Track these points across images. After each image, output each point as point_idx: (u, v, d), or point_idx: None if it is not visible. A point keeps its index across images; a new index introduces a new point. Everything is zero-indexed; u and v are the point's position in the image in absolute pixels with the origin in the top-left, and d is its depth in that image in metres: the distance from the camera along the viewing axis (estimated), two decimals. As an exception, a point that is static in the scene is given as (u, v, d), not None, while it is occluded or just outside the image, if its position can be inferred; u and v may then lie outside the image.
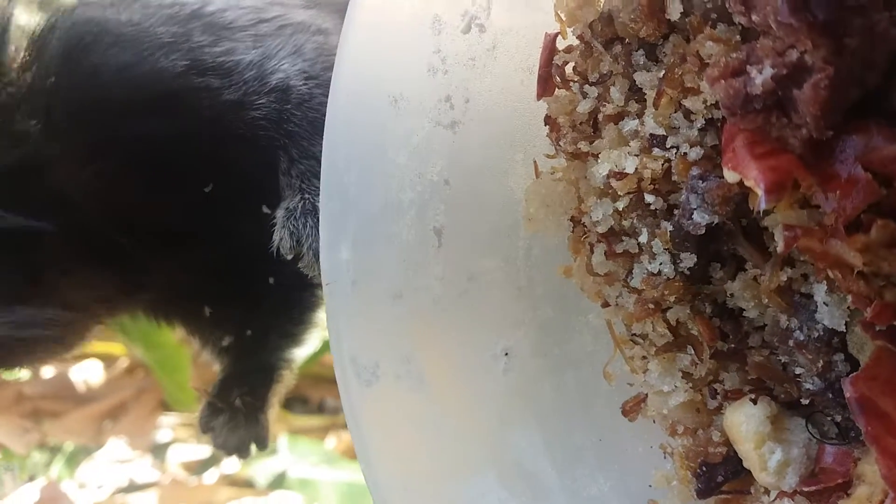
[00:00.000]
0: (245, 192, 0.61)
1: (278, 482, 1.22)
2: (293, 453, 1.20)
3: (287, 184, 0.56)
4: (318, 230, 0.44)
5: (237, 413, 0.71)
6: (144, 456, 1.33)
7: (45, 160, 0.56)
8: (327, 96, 0.41)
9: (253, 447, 0.72)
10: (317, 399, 1.36)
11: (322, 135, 0.41)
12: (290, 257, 0.54)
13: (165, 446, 1.35)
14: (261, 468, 1.24)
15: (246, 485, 1.26)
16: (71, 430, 1.30)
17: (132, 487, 1.28)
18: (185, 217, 0.63)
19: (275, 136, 0.57)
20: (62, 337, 0.63)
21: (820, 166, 0.32)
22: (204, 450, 1.32)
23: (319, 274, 0.44)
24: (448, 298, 0.45)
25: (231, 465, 1.29)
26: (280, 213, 0.55)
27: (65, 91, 0.56)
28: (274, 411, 0.74)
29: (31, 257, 0.57)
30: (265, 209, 0.58)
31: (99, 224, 0.60)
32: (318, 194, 0.43)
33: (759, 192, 0.31)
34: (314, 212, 0.53)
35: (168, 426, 1.35)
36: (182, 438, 1.36)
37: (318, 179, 0.45)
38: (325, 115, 0.41)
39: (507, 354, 0.45)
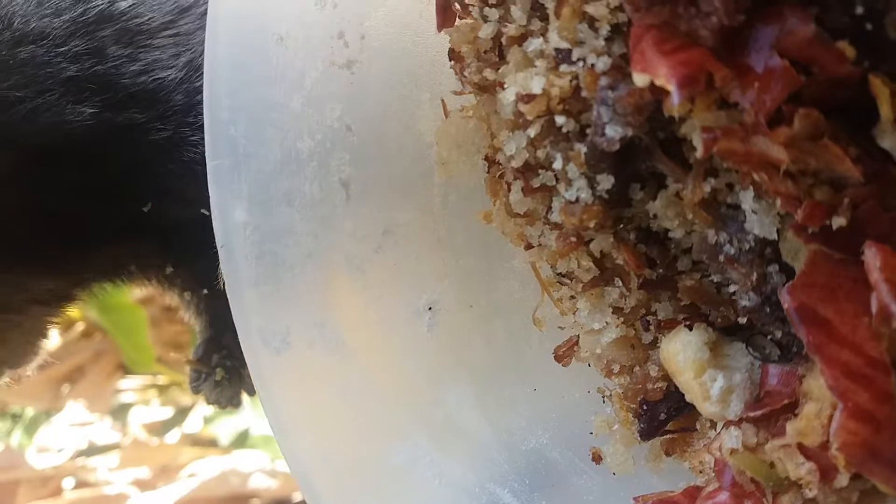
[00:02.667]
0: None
1: (241, 440, 1.25)
2: (256, 410, 1.19)
3: None
4: None
5: (219, 373, 0.72)
6: (104, 418, 1.33)
7: None
8: None
9: (244, 396, 0.75)
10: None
11: None
12: None
13: (126, 408, 1.35)
14: (223, 426, 1.26)
15: (209, 444, 1.27)
16: (29, 395, 1.30)
17: (93, 450, 1.27)
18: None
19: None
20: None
21: (734, 59, 0.30)
22: (166, 411, 1.33)
23: None
24: (362, 255, 0.41)
25: (193, 424, 1.30)
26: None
27: None
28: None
29: None
30: None
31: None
32: None
33: (671, 88, 0.29)
34: None
35: (129, 388, 1.36)
36: (143, 400, 1.37)
37: None
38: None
39: (430, 309, 0.42)
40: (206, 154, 0.38)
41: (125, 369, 1.33)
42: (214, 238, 0.49)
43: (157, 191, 0.56)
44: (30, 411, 1.31)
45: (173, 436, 1.31)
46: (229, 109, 0.38)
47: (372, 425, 0.40)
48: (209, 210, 0.51)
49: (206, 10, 0.52)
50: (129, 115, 0.53)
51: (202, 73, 0.51)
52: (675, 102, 0.29)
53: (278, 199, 0.40)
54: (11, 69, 0.51)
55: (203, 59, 0.50)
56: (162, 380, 1.40)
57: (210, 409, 1.34)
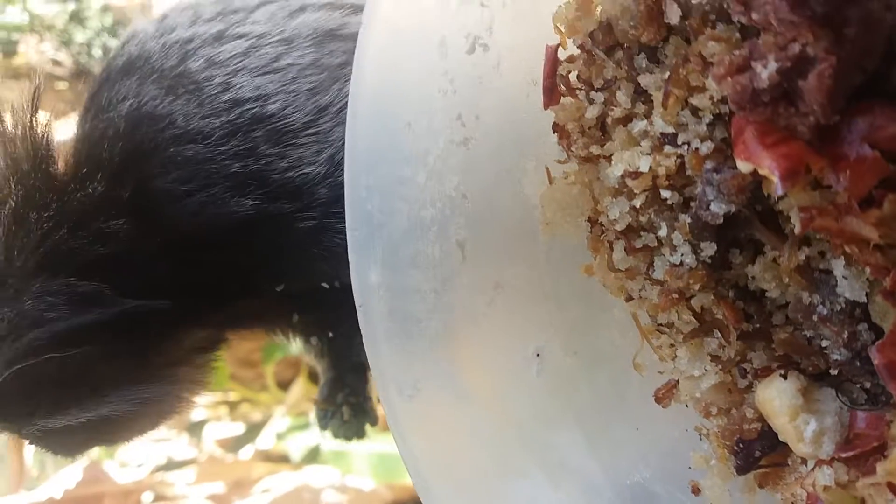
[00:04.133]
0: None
1: (312, 456, 1.28)
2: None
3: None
4: None
5: (345, 411, 0.78)
6: (181, 435, 1.38)
7: (142, 251, 0.56)
8: None
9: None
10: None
11: None
12: None
13: (201, 424, 1.39)
14: (294, 442, 1.29)
15: (281, 460, 1.31)
16: None
17: (171, 465, 1.32)
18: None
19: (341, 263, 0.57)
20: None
21: (828, 149, 0.34)
22: (238, 427, 1.38)
23: None
24: (477, 308, 0.46)
25: (266, 440, 1.34)
26: None
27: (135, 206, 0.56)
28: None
29: (142, 337, 0.57)
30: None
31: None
32: None
33: (775, 179, 0.33)
34: None
35: (202, 406, 1.38)
36: (216, 417, 1.41)
37: None
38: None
39: (538, 356, 0.47)
40: (347, 225, 0.43)
41: (200, 386, 1.39)
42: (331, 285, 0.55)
43: (300, 271, 0.61)
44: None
45: (247, 452, 1.35)
46: (366, 188, 0.43)
47: (493, 464, 0.44)
48: (329, 282, 0.57)
49: (341, 107, 0.59)
50: (279, 205, 0.58)
51: (340, 164, 0.57)
52: (778, 192, 0.33)
53: (406, 262, 0.45)
54: (178, 164, 0.57)
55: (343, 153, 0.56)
56: (233, 396, 1.45)
57: (282, 426, 1.39)
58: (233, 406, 1.46)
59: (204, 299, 0.60)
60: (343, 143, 0.56)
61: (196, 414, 1.40)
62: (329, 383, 0.79)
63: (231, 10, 0.69)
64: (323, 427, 0.79)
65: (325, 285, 0.62)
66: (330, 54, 0.62)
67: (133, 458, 1.34)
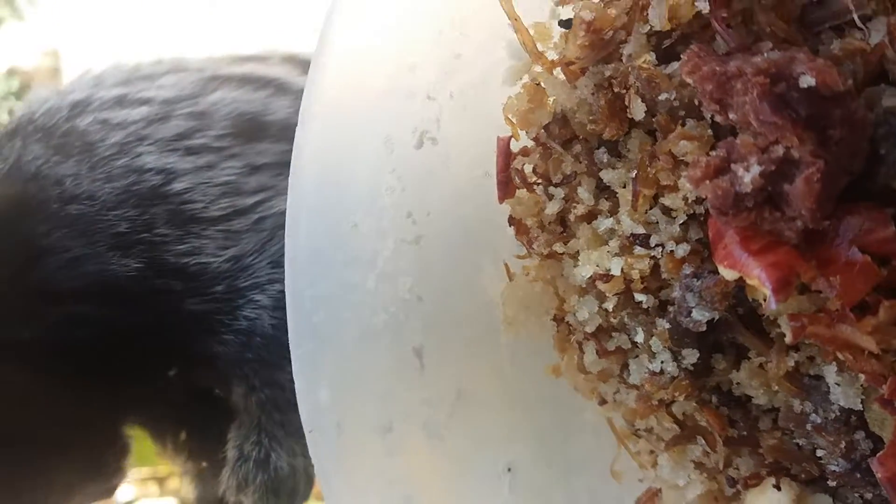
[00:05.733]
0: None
1: None
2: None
3: (245, 409, 0.54)
4: (265, 486, 0.43)
5: None
6: None
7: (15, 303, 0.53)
8: None
9: None
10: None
11: (286, 358, 0.39)
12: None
13: None
14: None
15: None
16: None
17: None
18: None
19: (232, 370, 0.54)
20: None
21: (816, 252, 0.32)
22: (170, 503, 1.28)
23: None
24: (439, 421, 0.42)
25: None
26: (232, 454, 0.52)
27: (5, 264, 0.52)
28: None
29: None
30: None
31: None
32: (275, 432, 0.41)
33: (767, 292, 0.30)
34: (267, 462, 0.51)
35: (130, 482, 1.30)
36: (144, 494, 1.32)
37: (278, 411, 0.43)
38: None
39: (509, 470, 0.43)
40: (290, 342, 0.39)
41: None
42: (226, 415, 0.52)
43: (185, 357, 0.57)
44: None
45: None
46: (310, 299, 0.39)
47: None
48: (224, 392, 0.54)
49: (263, 216, 0.55)
50: (168, 282, 0.54)
51: (244, 268, 0.54)
52: (772, 307, 0.30)
53: (358, 375, 0.41)
54: (63, 222, 0.53)
55: (249, 258, 0.52)
56: (161, 471, 1.38)
57: None
58: (161, 481, 1.39)
59: (98, 374, 0.55)
60: (252, 248, 0.54)
61: (123, 493, 1.33)
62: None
63: (138, 77, 0.65)
64: None
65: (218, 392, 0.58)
66: (257, 154, 0.59)
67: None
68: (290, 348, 0.39)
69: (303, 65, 0.72)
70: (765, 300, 0.31)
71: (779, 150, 0.29)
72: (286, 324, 0.55)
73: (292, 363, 0.39)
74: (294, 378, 0.39)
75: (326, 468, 0.40)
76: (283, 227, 0.56)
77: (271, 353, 0.55)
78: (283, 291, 0.55)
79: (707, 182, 0.31)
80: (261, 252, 0.57)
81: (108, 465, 0.63)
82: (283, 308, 0.54)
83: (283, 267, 0.56)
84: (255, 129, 0.63)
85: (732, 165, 0.31)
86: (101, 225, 0.55)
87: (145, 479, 1.35)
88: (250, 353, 0.54)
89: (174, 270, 0.54)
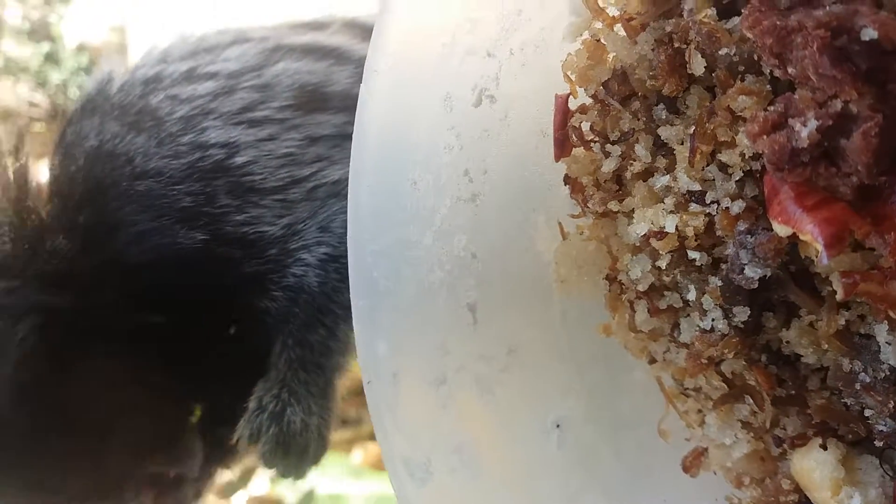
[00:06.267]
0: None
1: (307, 499, 1.25)
2: (320, 469, 1.22)
3: (274, 366, 0.56)
4: (276, 440, 0.44)
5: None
6: None
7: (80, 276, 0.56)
8: (344, 280, 0.41)
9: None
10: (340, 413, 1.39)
11: (325, 319, 0.41)
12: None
13: None
14: (289, 487, 1.25)
15: None
16: None
17: None
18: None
19: (277, 327, 0.57)
20: None
21: (871, 209, 0.32)
22: (230, 472, 1.33)
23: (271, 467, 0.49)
24: (491, 376, 0.43)
25: (260, 486, 1.30)
26: (252, 404, 0.54)
27: (86, 236, 0.56)
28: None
29: None
30: None
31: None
32: (297, 389, 0.43)
33: (819, 247, 0.31)
34: (282, 415, 0.52)
35: None
36: None
37: (304, 370, 0.44)
38: (339, 300, 0.41)
39: (558, 426, 0.44)
40: (351, 294, 0.41)
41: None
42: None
43: (242, 314, 0.60)
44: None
45: (240, 498, 1.32)
46: (371, 254, 0.40)
47: (514, 546, 0.41)
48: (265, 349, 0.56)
49: (316, 185, 0.58)
50: (229, 250, 0.57)
51: (295, 233, 0.56)
52: (824, 262, 0.30)
53: (414, 329, 0.42)
54: (132, 198, 0.56)
55: (301, 224, 0.55)
56: None
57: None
58: None
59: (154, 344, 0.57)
60: (304, 229, 0.56)
61: None
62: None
63: (203, 49, 0.67)
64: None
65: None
66: (317, 125, 0.61)
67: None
68: (351, 301, 0.41)
69: (363, 31, 0.73)
70: (817, 256, 0.31)
71: (837, 105, 0.30)
72: (330, 282, 0.57)
73: (353, 316, 0.41)
74: (354, 330, 0.41)
75: (383, 417, 0.41)
76: (334, 195, 0.59)
77: (315, 309, 0.57)
78: (327, 253, 0.58)
79: (764, 137, 0.31)
80: (312, 218, 0.59)
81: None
82: (327, 268, 0.56)
83: (329, 231, 0.58)
84: (317, 100, 0.65)
85: (790, 120, 0.31)
86: (166, 200, 0.58)
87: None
88: (297, 308, 0.56)
89: (234, 240, 0.57)
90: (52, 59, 1.62)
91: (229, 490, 1.36)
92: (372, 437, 0.84)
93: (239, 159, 0.59)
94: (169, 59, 0.67)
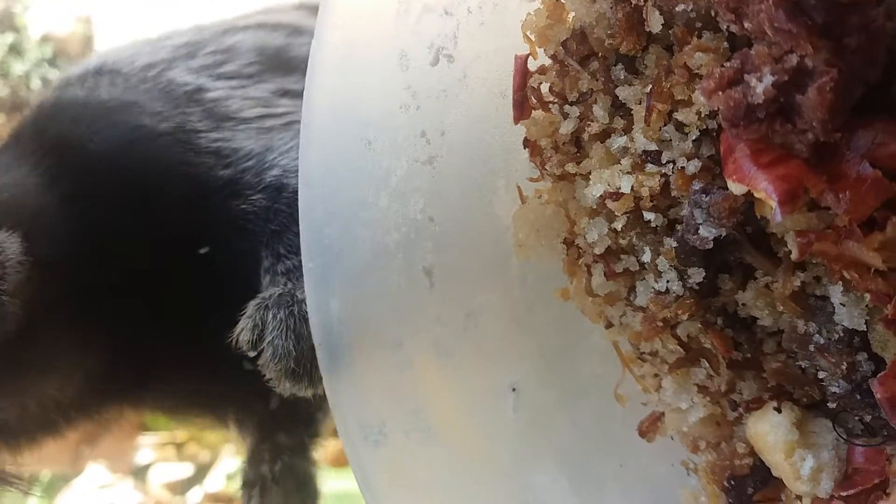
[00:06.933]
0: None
1: None
2: None
3: (271, 281, 0.52)
4: (286, 324, 0.42)
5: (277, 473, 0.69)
6: (125, 479, 1.29)
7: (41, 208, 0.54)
8: None
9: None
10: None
11: None
12: (249, 352, 0.48)
13: (146, 467, 1.31)
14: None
15: (231, 501, 1.24)
16: (47, 458, 1.27)
17: None
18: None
19: (260, 233, 0.54)
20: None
21: (827, 167, 0.31)
22: (186, 468, 1.30)
23: (274, 378, 0.44)
24: (448, 340, 0.43)
25: (215, 482, 1.26)
26: (252, 303, 0.50)
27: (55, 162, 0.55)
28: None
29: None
30: None
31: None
32: (303, 287, 0.41)
33: (773, 204, 0.30)
34: (290, 304, 0.48)
35: (148, 446, 1.32)
36: (163, 458, 1.33)
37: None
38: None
39: (514, 390, 0.43)
40: (303, 256, 0.40)
41: (144, 427, 1.32)
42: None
43: (217, 224, 0.57)
44: (46, 474, 1.26)
45: (195, 494, 1.26)
46: (324, 213, 0.39)
47: (468, 510, 0.41)
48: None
49: (290, 118, 0.56)
50: (203, 159, 0.56)
51: (275, 149, 0.54)
52: (777, 219, 0.30)
53: (369, 293, 0.41)
54: (99, 115, 0.57)
55: (278, 140, 0.53)
56: (180, 436, 1.38)
57: (232, 466, 1.33)
58: (179, 446, 1.40)
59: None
60: (281, 145, 0.55)
61: (141, 456, 1.33)
62: (250, 459, 0.68)
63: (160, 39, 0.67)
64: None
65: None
66: (286, 82, 0.60)
67: (75, 505, 1.28)
68: (303, 262, 0.40)
69: (314, 10, 0.72)
70: (772, 214, 0.31)
71: (793, 60, 0.29)
72: None
73: (304, 277, 0.40)
74: (306, 292, 0.40)
75: (334, 381, 0.40)
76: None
77: (296, 221, 0.55)
78: None
79: (720, 93, 0.31)
80: (291, 139, 0.57)
81: None
82: None
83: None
84: (281, 63, 0.64)
85: (746, 76, 0.30)
86: (137, 107, 0.57)
87: (163, 443, 1.36)
88: (279, 205, 0.54)
89: (209, 152, 0.56)
90: (15, 49, 1.57)
91: (185, 487, 1.33)
92: (332, 434, 0.82)
93: (210, 94, 0.58)
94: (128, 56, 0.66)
